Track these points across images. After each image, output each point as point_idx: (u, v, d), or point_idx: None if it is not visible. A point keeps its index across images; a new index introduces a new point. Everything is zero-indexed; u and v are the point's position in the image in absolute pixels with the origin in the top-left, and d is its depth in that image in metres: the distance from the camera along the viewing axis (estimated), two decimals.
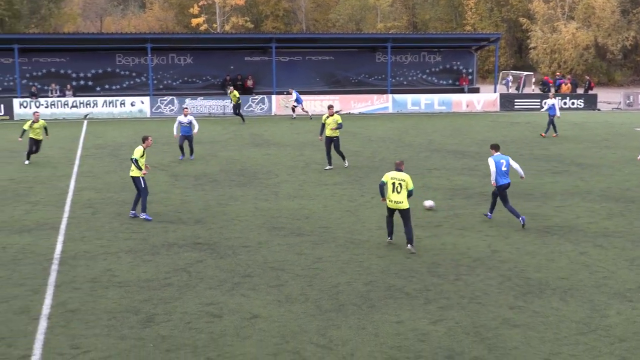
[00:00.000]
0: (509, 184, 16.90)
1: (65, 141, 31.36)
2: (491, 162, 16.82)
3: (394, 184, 14.87)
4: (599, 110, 46.83)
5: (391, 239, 15.49)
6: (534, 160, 26.59)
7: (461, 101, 45.59)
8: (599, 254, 14.91)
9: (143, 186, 17.42)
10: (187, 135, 26.00)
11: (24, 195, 20.26)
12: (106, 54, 45.26)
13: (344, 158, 24.84)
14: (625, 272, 13.70)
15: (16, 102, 41.13)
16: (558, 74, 54.63)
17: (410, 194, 14.93)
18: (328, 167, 24.36)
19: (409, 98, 45.03)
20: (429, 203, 18.77)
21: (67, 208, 18.80)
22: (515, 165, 17.11)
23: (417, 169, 24.57)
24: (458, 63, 49.59)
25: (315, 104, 43.44)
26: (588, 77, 53.31)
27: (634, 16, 67.89)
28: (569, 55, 66.65)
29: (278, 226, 16.96)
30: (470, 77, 49.60)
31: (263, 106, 43.44)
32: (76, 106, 41.84)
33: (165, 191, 20.80)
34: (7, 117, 40.80)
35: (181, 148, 26.23)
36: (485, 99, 46.27)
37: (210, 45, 46.86)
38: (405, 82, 48.64)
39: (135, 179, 17.43)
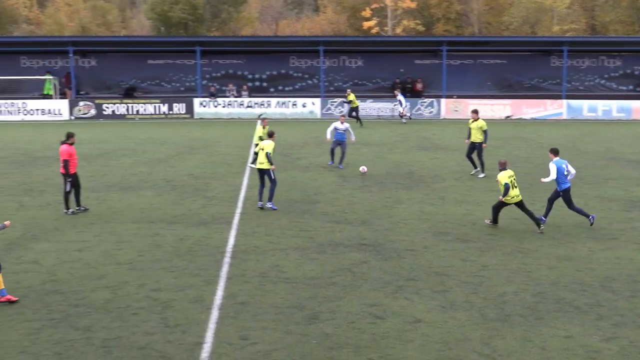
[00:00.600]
0: (569, 188, 17.15)
1: (240, 140, 32.66)
2: (552, 166, 16.99)
3: (512, 181, 16.56)
4: None
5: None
6: None
7: None
8: None
9: (273, 177, 18.76)
10: (340, 141, 25.46)
11: (201, 190, 21.30)
12: (280, 56, 46.75)
13: (482, 168, 23.81)
14: None
15: (196, 101, 43.33)
16: None
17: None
18: (475, 171, 23.90)
19: (585, 104, 43.15)
20: (363, 169, 22.81)
21: (239, 204, 19.56)
22: (572, 169, 17.20)
23: (593, 177, 23.48)
24: None
25: (485, 108, 42.58)
26: None
27: None
28: None
29: (444, 231, 16.78)
30: None
31: (432, 109, 43.16)
32: (251, 106, 43.48)
33: (333, 191, 21.15)
34: (188, 116, 43.09)
35: (332, 153, 25.69)
36: None
37: (380, 48, 47.22)
38: (581, 87, 46.69)
39: (267, 172, 18.73)
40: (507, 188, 16.39)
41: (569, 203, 17.16)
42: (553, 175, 16.90)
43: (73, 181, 18.29)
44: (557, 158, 17.15)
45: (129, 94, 45.92)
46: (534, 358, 9.98)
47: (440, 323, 11.21)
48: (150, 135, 34.54)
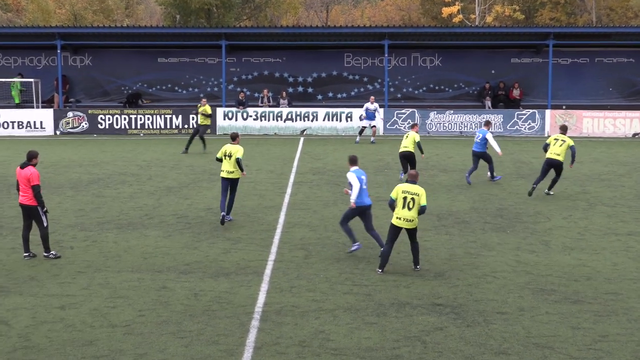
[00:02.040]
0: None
1: (276, 163, 32.83)
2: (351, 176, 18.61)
3: (405, 198, 17.20)
4: None
5: (382, 271, 17.42)
6: None
7: None
8: None
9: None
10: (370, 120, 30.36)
11: (222, 230, 21.40)
12: (332, 53, 47.07)
13: (549, 187, 26.29)
14: None
15: (220, 112, 43.78)
16: None
17: (422, 210, 17.24)
18: (547, 192, 26.35)
19: None
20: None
21: (274, 249, 19.58)
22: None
23: None
24: None
25: (605, 122, 42.11)
26: None
27: None
28: None
29: (547, 288, 16.57)
30: None
31: (533, 124, 42.88)
32: (291, 119, 43.76)
33: None
34: (209, 131, 43.53)
35: (361, 132, 29.20)
36: None
37: (465, 42, 47.16)
38: None
39: (236, 181, 22.04)
40: (390, 203, 17.74)
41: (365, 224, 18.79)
42: (356, 187, 18.34)
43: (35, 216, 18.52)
44: (356, 168, 18.88)
45: (132, 102, 46.66)
46: None
47: None
48: (158, 157, 34.94)
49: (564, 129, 26.52)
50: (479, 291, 16.33)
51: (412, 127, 28.90)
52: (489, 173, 28.81)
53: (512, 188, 27.46)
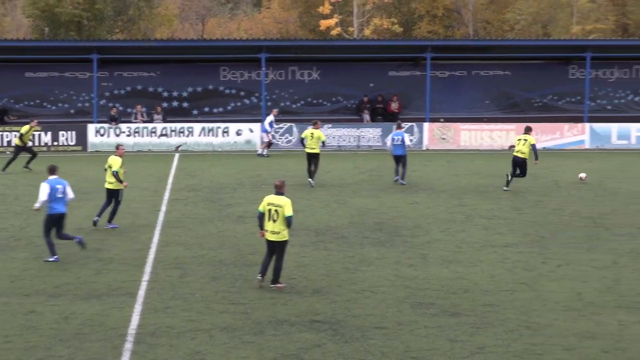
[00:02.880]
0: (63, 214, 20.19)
1: (150, 180, 32.52)
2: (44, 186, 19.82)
3: (270, 210, 17.28)
4: None
5: (262, 278, 17.62)
6: None
7: None
8: None
9: (120, 199, 23.68)
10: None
11: (94, 251, 21.07)
12: (208, 67, 46.89)
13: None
14: None
15: (91, 128, 43.15)
16: None
17: (289, 222, 17.25)
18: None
19: (614, 128, 43.98)
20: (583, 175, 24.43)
21: (147, 268, 19.38)
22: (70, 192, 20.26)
23: (624, 227, 23.85)
24: None
25: (483, 135, 43.13)
26: None
27: None
28: None
29: (426, 302, 16.82)
30: None
31: (411, 137, 43.50)
32: (166, 134, 43.45)
33: None
34: (80, 148, 42.83)
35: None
36: None
37: (344, 55, 47.67)
38: (609, 107, 47.56)
39: (117, 192, 23.61)
40: (259, 217, 17.82)
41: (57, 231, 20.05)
42: (42, 197, 19.68)
43: None
44: (55, 177, 20.02)
45: None
46: None
47: None
48: (25, 175, 34.18)
49: (528, 129, 30.19)
50: (358, 307, 16.48)
51: (314, 124, 31.64)
52: (398, 177, 30.84)
53: (390, 202, 27.81)
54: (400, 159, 31.16)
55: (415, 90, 46.47)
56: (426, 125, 43.75)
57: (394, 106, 46.09)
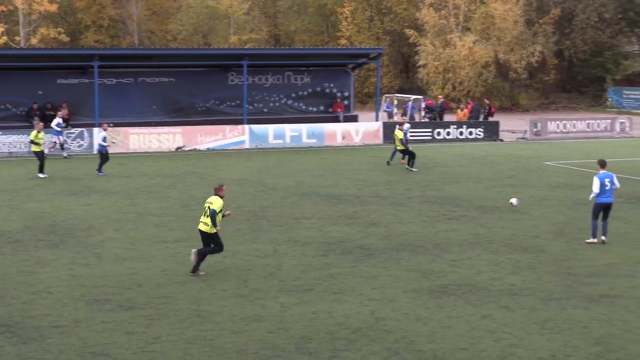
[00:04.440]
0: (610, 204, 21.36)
1: None
2: (595, 180, 21.25)
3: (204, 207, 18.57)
4: (501, 140, 48.88)
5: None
6: (425, 203, 27.34)
7: (336, 132, 46.42)
8: (505, 316, 15.43)
9: None
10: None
11: None
12: None
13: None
14: (536, 338, 14.23)
15: None
16: (440, 98, 56.84)
17: (211, 215, 18.26)
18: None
19: (270, 129, 45.42)
20: (514, 201, 24.84)
21: None
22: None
23: (282, 218, 24.75)
24: (331, 85, 50.54)
25: (151, 138, 43.03)
26: (488, 101, 55.61)
27: (540, 27, 71.33)
28: (465, 74, 69.17)
29: (102, 298, 16.60)
30: (346, 102, 50.61)
31: (82, 142, 42.61)
32: None
33: None
34: None
35: None
36: (365, 128, 47.33)
37: (11, 64, 45.76)
38: (265, 110, 49.03)
39: None
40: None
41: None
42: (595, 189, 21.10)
43: None
44: (603, 171, 21.24)
45: None
46: None
47: None
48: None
49: (401, 124, 37.90)
50: (34, 308, 15.96)
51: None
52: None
53: (64, 205, 27.06)
54: None
55: (84, 97, 45.39)
56: (96, 130, 42.89)
57: (64, 112, 44.76)
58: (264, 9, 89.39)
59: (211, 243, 18.54)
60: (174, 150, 43.38)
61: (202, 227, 18.54)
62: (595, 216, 21.35)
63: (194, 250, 18.59)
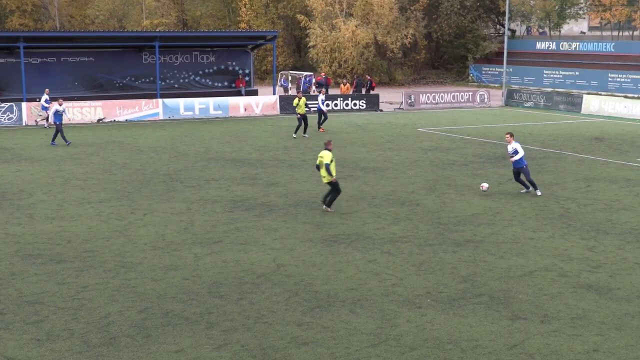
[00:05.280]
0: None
1: None
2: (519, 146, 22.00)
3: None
4: (381, 111, 49.40)
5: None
6: None
7: (238, 105, 46.13)
8: (387, 260, 15.73)
9: None
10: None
11: None
12: None
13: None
14: (413, 278, 14.56)
15: None
16: (322, 74, 56.91)
17: (326, 167, 19.44)
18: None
19: (181, 102, 44.83)
20: (485, 185, 22.90)
21: None
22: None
23: (194, 180, 24.57)
24: (234, 63, 50.17)
25: (74, 111, 41.99)
26: (369, 77, 56.05)
27: (412, 13, 72.28)
28: (349, 54, 69.53)
29: (34, 253, 16.24)
30: (247, 78, 50.35)
31: (12, 115, 41.31)
32: None
33: None
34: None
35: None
36: (265, 101, 47.17)
37: None
38: (176, 85, 48.40)
39: None
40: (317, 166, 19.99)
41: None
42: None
43: None
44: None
45: None
46: None
47: (36, 358, 10.82)
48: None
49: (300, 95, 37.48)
50: None
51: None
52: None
53: None
54: None
55: (12, 75, 44.02)
56: (24, 105, 41.67)
57: None
58: None
59: (332, 189, 19.88)
60: (95, 121, 42.46)
61: (324, 180, 19.88)
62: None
63: (324, 207, 20.07)
